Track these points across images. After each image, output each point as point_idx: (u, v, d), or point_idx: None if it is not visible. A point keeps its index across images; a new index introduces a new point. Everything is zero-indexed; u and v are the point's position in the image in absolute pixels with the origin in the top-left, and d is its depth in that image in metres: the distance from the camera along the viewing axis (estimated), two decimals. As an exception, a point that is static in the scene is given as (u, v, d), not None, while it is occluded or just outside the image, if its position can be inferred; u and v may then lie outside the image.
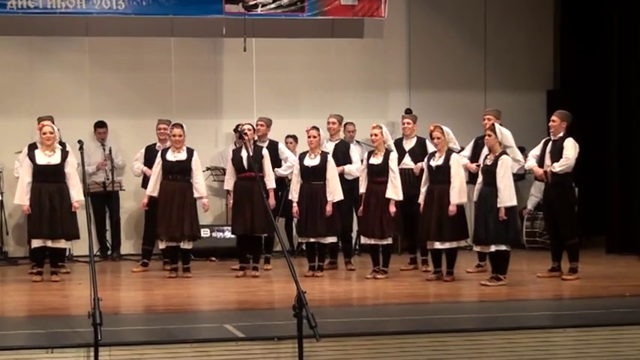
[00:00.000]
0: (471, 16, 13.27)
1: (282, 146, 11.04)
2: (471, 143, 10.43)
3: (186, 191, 9.90)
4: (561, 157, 9.37)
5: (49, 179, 9.53)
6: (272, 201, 10.03)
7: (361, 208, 9.77)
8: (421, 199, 9.47)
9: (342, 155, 10.51)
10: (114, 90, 12.41)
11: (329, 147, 10.57)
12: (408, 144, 10.48)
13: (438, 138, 9.40)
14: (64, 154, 9.66)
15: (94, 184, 11.63)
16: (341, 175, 10.34)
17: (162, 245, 10.03)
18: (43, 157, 9.59)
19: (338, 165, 10.42)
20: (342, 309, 7.87)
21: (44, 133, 9.64)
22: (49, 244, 9.55)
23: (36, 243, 9.59)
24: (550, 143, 9.57)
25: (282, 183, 11.20)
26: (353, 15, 12.58)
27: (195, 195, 9.93)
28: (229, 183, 10.11)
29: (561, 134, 9.50)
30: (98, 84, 12.39)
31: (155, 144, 10.90)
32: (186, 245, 9.94)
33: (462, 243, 9.45)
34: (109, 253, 11.93)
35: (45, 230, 9.48)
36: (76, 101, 12.29)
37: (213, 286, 9.51)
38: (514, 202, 9.01)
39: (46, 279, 9.59)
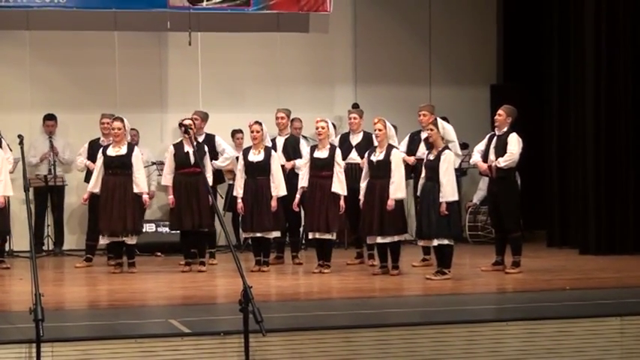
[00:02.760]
0: (416, 11, 13.34)
1: (219, 139, 10.94)
2: (406, 138, 10.47)
3: (127, 185, 9.79)
4: (505, 152, 9.45)
5: None
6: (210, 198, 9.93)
7: (296, 202, 9.74)
8: (361, 195, 9.47)
9: (292, 150, 10.50)
10: (56, 84, 12.24)
11: (278, 142, 10.54)
12: (355, 139, 10.48)
13: (380, 130, 9.40)
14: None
15: (35, 178, 11.46)
16: (291, 169, 10.32)
17: (104, 240, 9.91)
18: None
19: (288, 160, 10.41)
20: (288, 303, 7.85)
21: None
22: None
23: None
24: (495, 138, 9.62)
25: (220, 175, 11.11)
26: (298, 9, 12.57)
27: (135, 190, 9.81)
28: (168, 179, 9.97)
29: (505, 129, 9.57)
30: (39, 78, 12.22)
31: (99, 139, 10.77)
32: (129, 240, 9.84)
33: (402, 237, 9.46)
34: (49, 248, 11.75)
35: None
36: (16, 95, 12.11)
37: (159, 281, 9.43)
38: (456, 198, 9.05)
39: (-14, 275, 9.45)
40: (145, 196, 9.84)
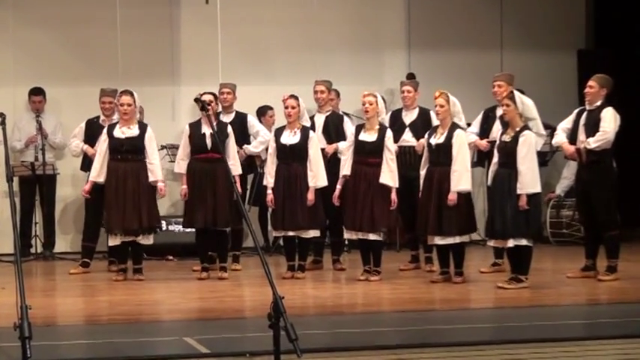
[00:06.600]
0: (485, -40, 13.31)
1: (251, 119, 10.96)
2: (480, 116, 10.43)
3: (140, 173, 9.84)
4: (598, 130, 9.37)
5: None
6: (239, 188, 9.93)
7: (336, 194, 9.70)
8: (420, 184, 9.46)
9: (334, 130, 10.47)
10: (45, 52, 12.35)
11: (318, 120, 10.51)
12: (409, 116, 10.45)
13: (442, 106, 9.39)
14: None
15: (20, 165, 11.52)
16: (334, 154, 10.27)
17: (115, 241, 9.91)
18: None
19: (330, 142, 10.38)
20: (329, 318, 7.88)
21: None
22: None
23: None
24: (585, 114, 9.56)
25: (252, 164, 11.12)
26: (339, -41, 12.57)
27: (150, 178, 9.84)
28: (181, 165, 9.99)
29: (599, 103, 9.50)
30: (25, 45, 12.31)
31: (98, 117, 10.81)
32: (145, 240, 9.89)
33: (466, 238, 9.43)
34: (37, 251, 11.84)
35: None
36: (-4, 66, 12.21)
37: (171, 290, 9.48)
38: (538, 189, 9.00)
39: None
40: (161, 184, 9.87)
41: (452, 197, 9.20)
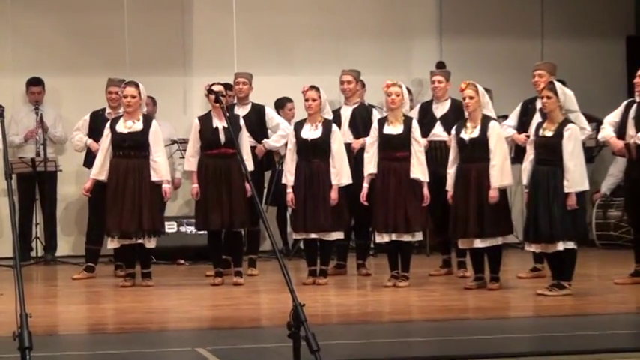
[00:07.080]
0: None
1: (269, 111, 10.97)
2: (518, 108, 10.40)
3: (143, 171, 9.84)
4: (650, 124, 9.41)
5: None
6: (247, 187, 9.92)
7: (364, 193, 9.69)
8: (449, 185, 9.45)
9: (362, 123, 10.45)
10: (45, 39, 12.41)
11: (344, 113, 10.53)
12: (440, 109, 10.45)
13: (471, 98, 9.36)
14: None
15: (19, 161, 11.56)
16: (361, 150, 10.25)
17: (113, 244, 9.96)
18: None
19: (357, 137, 10.38)
20: (353, 327, 7.89)
21: None
22: None
23: None
24: (634, 106, 9.56)
25: (271, 160, 11.12)
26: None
27: (153, 177, 9.84)
28: (192, 162, 9.99)
29: (650, 94, 9.53)
30: (24, 33, 12.36)
31: (104, 109, 10.82)
32: (147, 243, 9.89)
33: (507, 239, 9.44)
34: (38, 254, 11.89)
35: None
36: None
37: (182, 297, 9.50)
38: (586, 186, 8.99)
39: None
40: (166, 186, 9.87)
41: (493, 194, 9.17)
